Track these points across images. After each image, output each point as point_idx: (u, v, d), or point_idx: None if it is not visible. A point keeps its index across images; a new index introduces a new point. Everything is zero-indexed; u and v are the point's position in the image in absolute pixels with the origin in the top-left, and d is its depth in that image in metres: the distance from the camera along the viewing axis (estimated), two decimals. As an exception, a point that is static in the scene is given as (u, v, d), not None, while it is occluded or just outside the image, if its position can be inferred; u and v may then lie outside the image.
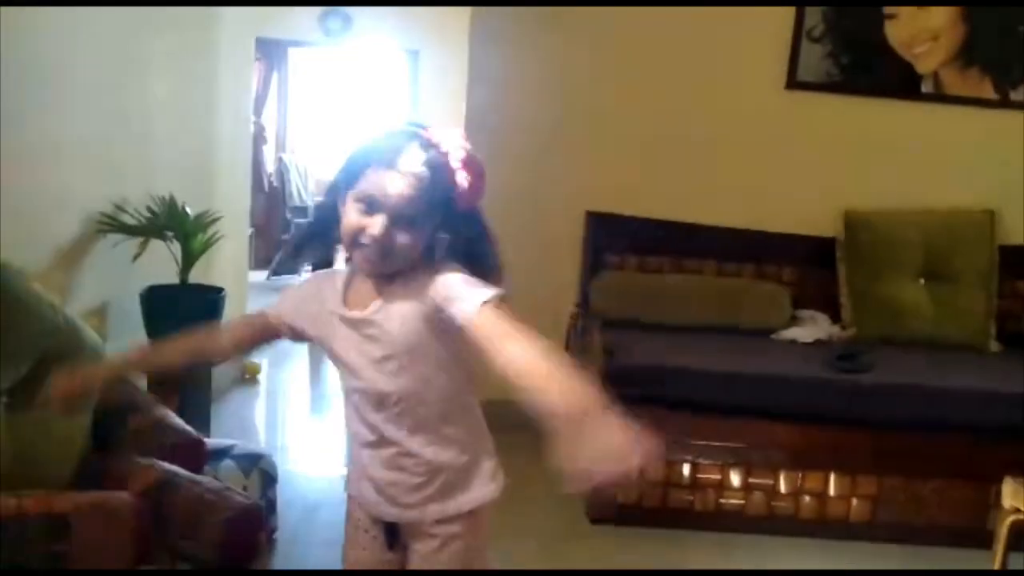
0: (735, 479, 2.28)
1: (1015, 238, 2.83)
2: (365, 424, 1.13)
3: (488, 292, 1.00)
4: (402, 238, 1.04)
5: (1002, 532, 1.69)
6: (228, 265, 3.10)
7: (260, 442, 2.84)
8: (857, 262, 2.74)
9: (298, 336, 1.18)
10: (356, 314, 1.10)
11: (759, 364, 2.35)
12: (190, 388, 2.16)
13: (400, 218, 1.03)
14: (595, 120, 2.83)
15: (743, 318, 2.67)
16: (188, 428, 1.63)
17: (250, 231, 5.99)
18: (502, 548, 1.98)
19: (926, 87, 2.82)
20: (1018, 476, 1.75)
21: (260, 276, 6.00)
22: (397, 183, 1.03)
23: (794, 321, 2.72)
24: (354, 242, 1.05)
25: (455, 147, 1.06)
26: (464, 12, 3.01)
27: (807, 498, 2.29)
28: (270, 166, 6.46)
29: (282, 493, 2.25)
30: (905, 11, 2.77)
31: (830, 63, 2.80)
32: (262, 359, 3.72)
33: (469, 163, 1.06)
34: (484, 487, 1.15)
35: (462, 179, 1.05)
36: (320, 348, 1.18)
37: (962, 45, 2.78)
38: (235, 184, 3.24)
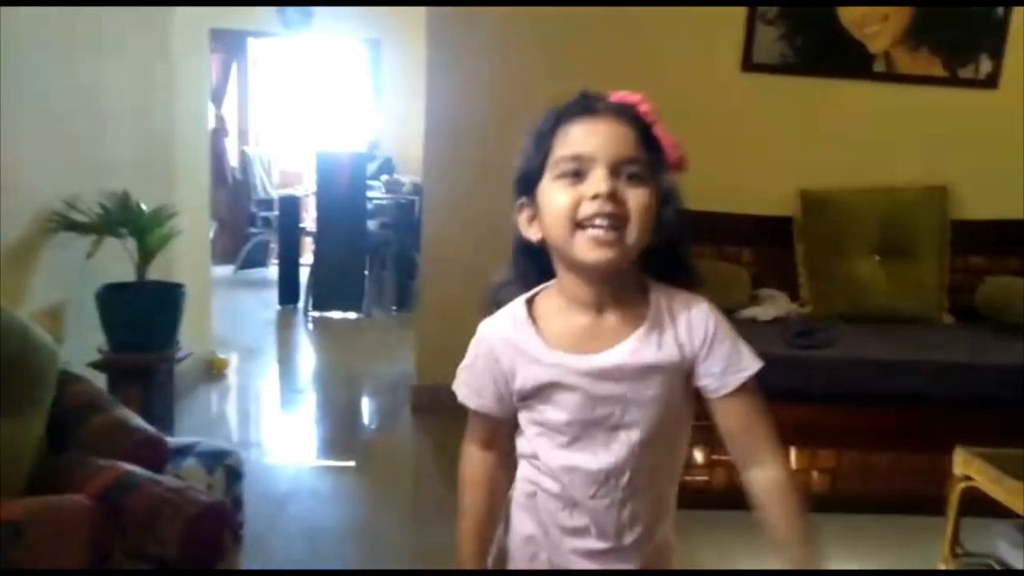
0: (699, 456, 2.32)
1: (966, 213, 2.90)
2: (573, 508, 0.90)
3: (754, 363, 0.87)
4: (634, 194, 0.82)
5: (953, 499, 1.74)
6: (189, 260, 3.05)
7: (230, 438, 2.83)
8: (814, 240, 2.80)
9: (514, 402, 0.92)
10: (599, 361, 0.85)
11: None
12: (153, 386, 2.14)
13: (622, 168, 0.82)
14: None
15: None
16: (149, 427, 1.61)
17: (214, 225, 5.94)
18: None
19: (878, 67, 2.87)
20: (968, 445, 1.81)
21: (227, 270, 5.93)
22: (602, 125, 0.83)
23: (754, 300, 2.76)
24: (573, 226, 0.82)
25: (637, 100, 0.88)
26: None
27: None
28: (233, 159, 6.36)
29: (252, 489, 2.25)
30: (855, -8, 2.81)
31: (784, 45, 2.83)
32: (230, 353, 3.70)
33: (655, 117, 0.88)
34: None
35: (661, 131, 0.87)
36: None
37: (911, 25, 2.83)
38: (194, 178, 3.19)
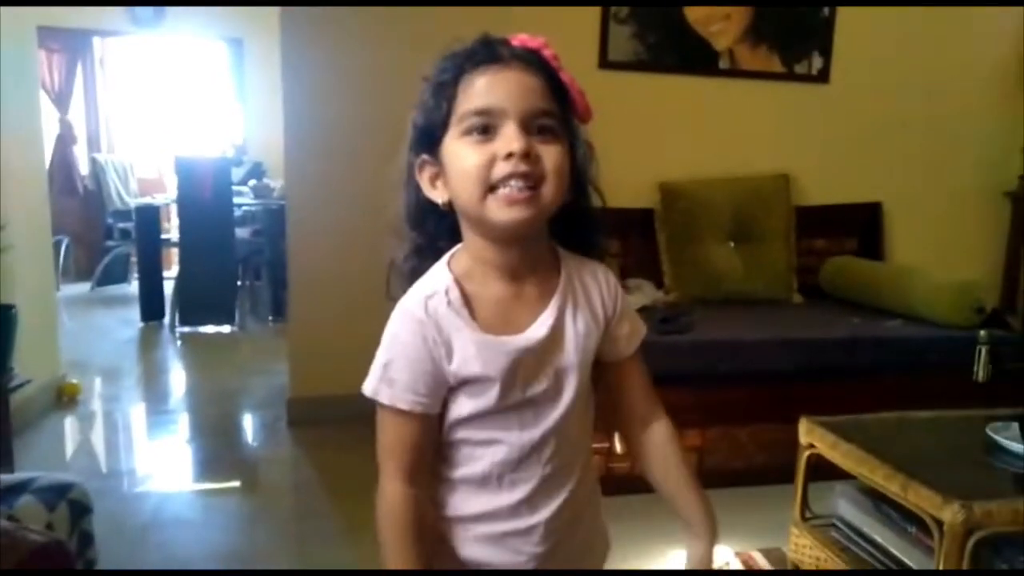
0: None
1: (807, 199, 3.13)
2: (485, 487, 0.84)
3: (643, 323, 0.89)
4: (548, 151, 0.76)
5: (801, 466, 1.87)
6: (27, 279, 2.81)
7: (94, 468, 2.63)
8: (674, 230, 2.93)
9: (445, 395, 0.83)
10: (524, 340, 0.80)
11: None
12: (-17, 421, 1.95)
13: (533, 122, 0.76)
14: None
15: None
16: (-29, 466, 1.47)
17: (65, 240, 5.50)
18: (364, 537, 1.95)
19: (723, 63, 3.05)
20: (817, 414, 1.93)
21: (83, 288, 5.52)
22: (510, 75, 0.76)
23: (623, 289, 2.86)
24: (486, 188, 0.76)
25: (540, 44, 0.81)
26: None
27: (640, 455, 2.43)
28: (84, 168, 5.91)
29: (113, 520, 2.11)
30: (698, -8, 2.97)
31: (637, 43, 2.95)
32: (86, 378, 3.43)
33: (559, 62, 0.82)
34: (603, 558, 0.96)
35: (567, 78, 0.81)
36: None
37: (751, 23, 3.02)
38: (28, 189, 2.93)
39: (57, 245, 4.95)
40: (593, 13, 2.91)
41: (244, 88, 6.02)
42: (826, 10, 3.08)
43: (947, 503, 1.39)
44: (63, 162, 5.78)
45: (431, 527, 0.85)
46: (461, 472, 0.85)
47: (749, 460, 2.49)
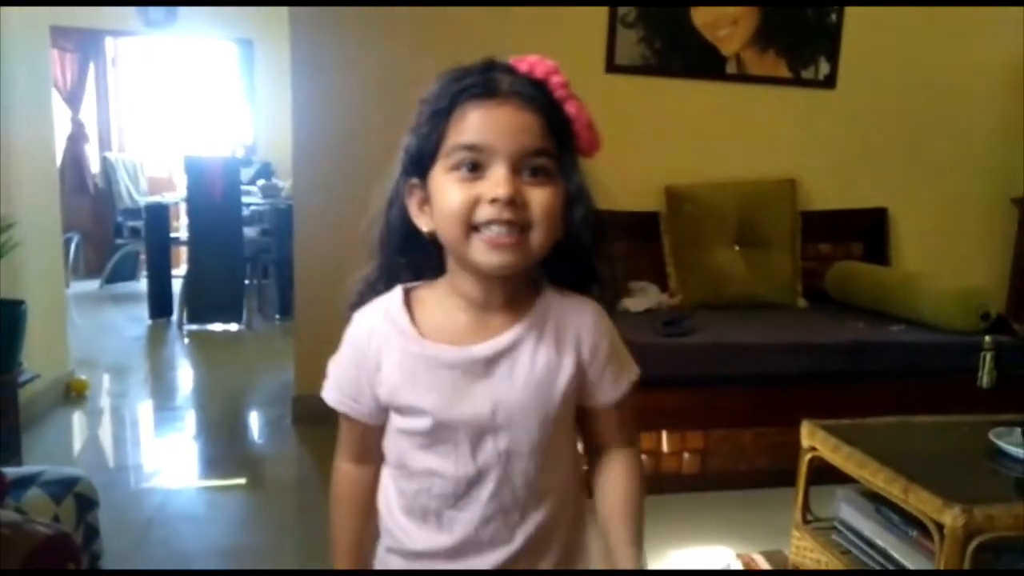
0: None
1: (813, 204, 3.13)
2: (425, 522, 0.82)
3: (635, 368, 0.83)
4: (537, 195, 0.73)
5: (802, 469, 1.87)
6: (38, 275, 2.83)
7: (102, 464, 2.65)
8: (679, 233, 2.94)
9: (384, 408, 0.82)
10: (473, 352, 0.77)
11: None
12: (-7, 415, 1.97)
13: (524, 163, 0.73)
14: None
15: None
16: (-19, 459, 1.49)
17: (75, 237, 5.55)
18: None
19: (730, 68, 3.05)
20: (819, 418, 1.94)
21: (92, 285, 5.56)
22: (504, 113, 0.73)
23: (627, 292, 2.87)
24: (468, 228, 0.73)
25: (549, 70, 0.77)
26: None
27: (643, 457, 2.41)
28: (95, 166, 5.96)
29: (120, 515, 2.13)
30: (707, -3, 2.98)
31: (644, 47, 2.96)
32: (95, 374, 3.47)
33: (569, 90, 0.78)
34: None
35: (575, 108, 0.77)
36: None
37: (758, 29, 3.03)
38: (40, 187, 2.96)
39: (67, 242, 5.00)
40: (600, 17, 2.92)
41: (253, 89, 6.06)
42: (834, 16, 3.08)
43: (948, 507, 1.39)
44: (74, 160, 5.83)
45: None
46: (406, 503, 0.83)
47: (751, 463, 2.49)
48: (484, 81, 0.74)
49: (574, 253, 0.80)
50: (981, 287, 2.72)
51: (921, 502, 1.45)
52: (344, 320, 0.85)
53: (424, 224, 0.79)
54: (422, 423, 0.78)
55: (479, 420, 0.77)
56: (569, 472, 0.86)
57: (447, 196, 0.74)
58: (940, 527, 1.40)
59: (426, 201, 0.78)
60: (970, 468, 1.69)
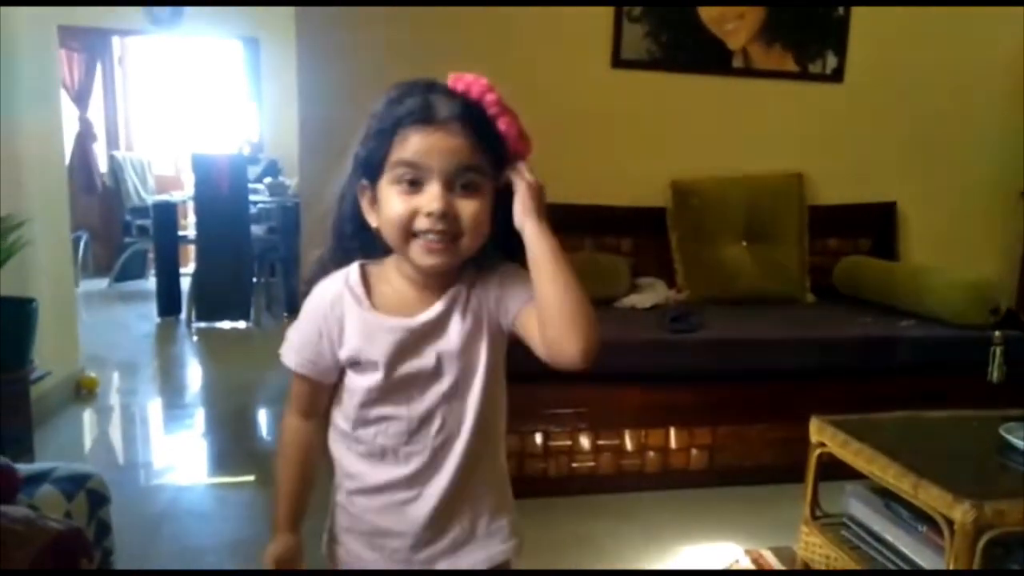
0: (585, 443, 2.39)
1: (820, 198, 3.12)
2: (384, 460, 0.94)
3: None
4: (467, 207, 0.86)
5: (811, 464, 1.87)
6: (47, 273, 2.85)
7: (112, 460, 2.67)
8: (686, 228, 2.93)
9: (341, 365, 0.95)
10: (412, 322, 0.91)
11: (601, 332, 2.46)
12: (4, 411, 1.98)
13: (456, 180, 0.86)
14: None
15: (586, 289, 2.77)
16: (-7, 455, 1.50)
17: (84, 236, 5.58)
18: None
19: (737, 62, 3.04)
20: (827, 413, 1.93)
21: (101, 283, 5.59)
22: (440, 138, 0.85)
23: (634, 288, 2.86)
24: (407, 234, 0.87)
25: (483, 89, 0.89)
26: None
27: (651, 453, 2.44)
28: (103, 165, 5.98)
29: (130, 511, 2.14)
30: (713, -10, 2.96)
31: (650, 42, 2.95)
32: (104, 371, 3.49)
33: (505, 108, 0.89)
34: (503, 544, 0.98)
35: (505, 124, 0.89)
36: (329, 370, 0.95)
37: (765, 23, 3.01)
38: (48, 185, 2.98)
39: (76, 241, 5.03)
40: (606, 12, 2.91)
41: (259, 87, 6.07)
42: (841, 9, 3.06)
43: (958, 502, 1.39)
44: (82, 159, 5.85)
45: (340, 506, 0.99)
46: (365, 448, 0.95)
47: (759, 458, 2.49)
48: (423, 106, 0.86)
49: (508, 243, 0.91)
50: (991, 281, 2.71)
51: (931, 498, 1.44)
52: (304, 293, 0.97)
53: (373, 220, 0.92)
54: (376, 377, 0.91)
55: (425, 370, 0.91)
56: (501, 411, 0.99)
57: (390, 206, 0.87)
58: (950, 523, 1.40)
59: (375, 201, 0.91)
60: (980, 463, 1.68)
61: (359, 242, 0.95)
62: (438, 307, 0.92)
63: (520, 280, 0.92)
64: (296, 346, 0.96)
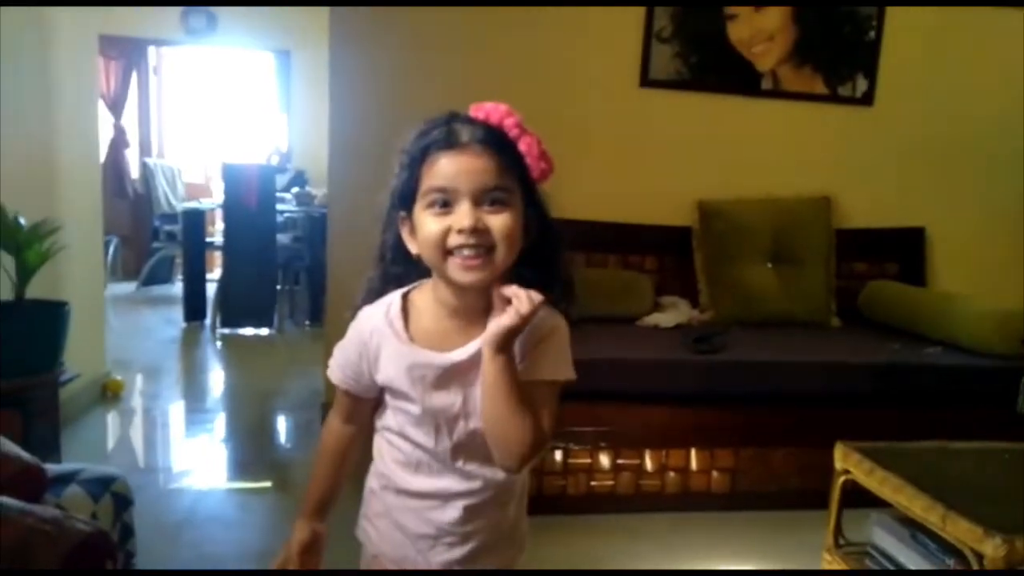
0: (604, 461, 2.38)
1: (848, 222, 3.09)
2: (418, 471, 1.00)
3: (569, 373, 0.96)
4: (497, 220, 0.90)
5: (835, 492, 1.84)
6: (79, 277, 2.91)
7: (133, 463, 2.70)
8: (712, 249, 2.92)
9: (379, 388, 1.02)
10: (448, 358, 0.94)
11: (624, 350, 2.45)
12: (34, 411, 2.02)
13: (484, 197, 0.90)
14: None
15: (609, 307, 2.78)
16: (23, 454, 1.52)
17: (114, 241, 5.68)
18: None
19: (766, 84, 3.03)
20: (852, 439, 1.91)
21: (129, 287, 5.68)
22: (465, 160, 0.90)
23: (657, 307, 2.85)
24: (444, 252, 0.91)
25: (502, 115, 0.95)
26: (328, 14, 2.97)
27: (671, 474, 2.42)
28: (134, 171, 6.10)
29: (151, 515, 2.16)
30: (743, 13, 2.96)
31: (679, 62, 2.95)
32: (131, 374, 3.54)
33: (525, 130, 0.96)
34: (515, 550, 1.07)
35: (526, 145, 0.95)
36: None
37: (795, 45, 3.01)
38: (83, 190, 3.04)
39: (106, 245, 5.11)
40: (635, 32, 2.92)
41: (289, 98, 6.17)
42: (872, 32, 3.05)
43: (988, 536, 1.36)
44: (115, 165, 5.97)
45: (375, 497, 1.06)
46: (403, 456, 1.02)
47: (782, 483, 2.46)
48: (447, 133, 0.92)
49: (536, 260, 0.96)
50: (1021, 310, 2.66)
51: (960, 531, 1.42)
52: (352, 315, 1.04)
53: (414, 248, 0.97)
54: (413, 407, 0.98)
55: (453, 408, 0.96)
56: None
57: (426, 228, 0.92)
58: (980, 557, 1.37)
59: (413, 230, 0.96)
60: (1011, 496, 1.65)
61: (403, 268, 1.00)
62: (473, 346, 0.94)
63: (548, 358, 0.94)
64: (340, 363, 1.04)
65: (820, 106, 3.08)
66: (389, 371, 0.98)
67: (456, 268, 0.91)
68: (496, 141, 0.92)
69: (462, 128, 0.92)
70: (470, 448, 0.97)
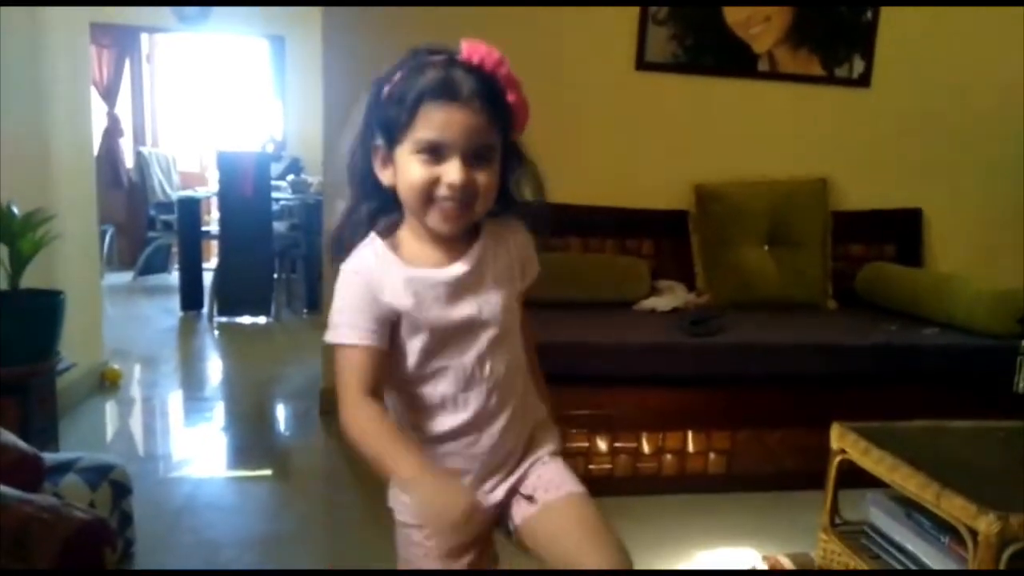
0: (602, 445, 2.39)
1: (845, 204, 3.09)
2: (444, 409, 1.02)
3: (537, 267, 1.08)
4: (483, 178, 0.94)
5: (831, 471, 1.85)
6: (75, 266, 2.90)
7: (131, 451, 2.71)
8: (708, 232, 2.91)
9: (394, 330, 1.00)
10: (451, 271, 0.98)
11: (620, 334, 2.46)
12: (31, 400, 2.02)
13: (474, 156, 0.93)
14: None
15: (606, 291, 2.78)
16: (21, 443, 1.52)
17: (109, 230, 5.66)
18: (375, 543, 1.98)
19: (762, 66, 3.02)
20: (848, 420, 1.91)
21: (125, 277, 5.67)
22: (463, 116, 0.91)
23: (654, 291, 2.85)
24: (427, 198, 0.94)
25: (497, 62, 0.95)
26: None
27: (669, 456, 2.43)
28: (129, 160, 6.07)
29: (150, 503, 2.17)
30: (739, -6, 2.94)
31: (675, 45, 2.93)
32: (128, 364, 3.54)
33: (512, 78, 0.96)
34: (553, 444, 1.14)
35: (513, 97, 0.96)
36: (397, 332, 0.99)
37: (791, 26, 2.99)
38: (76, 180, 3.02)
39: (101, 235, 5.10)
40: (631, 14, 2.90)
41: (284, 85, 6.13)
42: (869, 13, 3.03)
43: (982, 513, 1.37)
44: (109, 155, 5.94)
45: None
46: (426, 401, 1.02)
47: (778, 464, 2.47)
48: (447, 83, 0.91)
49: (503, 193, 1.01)
50: (1018, 290, 2.66)
51: (954, 508, 1.42)
52: (334, 258, 1.02)
53: (385, 179, 0.98)
54: (424, 334, 0.98)
55: (472, 319, 0.99)
56: (522, 351, 1.10)
57: (411, 173, 0.93)
58: (974, 534, 1.38)
59: (389, 161, 0.97)
60: (1005, 474, 1.65)
61: (378, 202, 1.00)
62: (471, 260, 0.99)
63: (534, 258, 1.07)
64: (349, 322, 0.96)
65: (817, 88, 3.07)
66: (402, 299, 0.96)
67: (436, 217, 0.95)
68: (491, 95, 0.93)
69: (463, 79, 0.92)
70: (493, 359, 1.00)
